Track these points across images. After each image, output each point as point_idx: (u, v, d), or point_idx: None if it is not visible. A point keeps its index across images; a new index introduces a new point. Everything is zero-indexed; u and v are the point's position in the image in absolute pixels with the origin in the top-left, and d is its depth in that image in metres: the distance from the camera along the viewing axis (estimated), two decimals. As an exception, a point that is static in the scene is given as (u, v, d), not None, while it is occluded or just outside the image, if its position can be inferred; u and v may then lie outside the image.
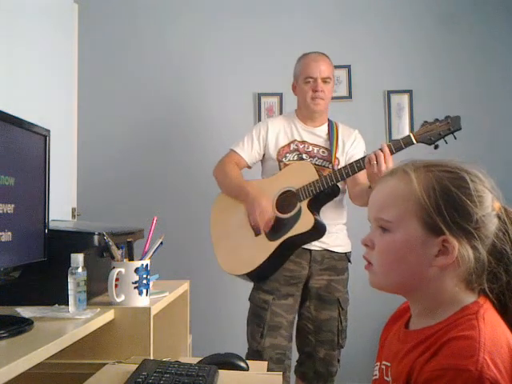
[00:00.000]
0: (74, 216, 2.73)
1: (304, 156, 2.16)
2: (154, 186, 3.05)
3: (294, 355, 2.22)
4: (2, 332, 0.94)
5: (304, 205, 2.05)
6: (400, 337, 0.90)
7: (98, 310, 1.19)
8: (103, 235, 1.25)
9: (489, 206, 0.83)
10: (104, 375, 1.11)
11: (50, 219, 1.26)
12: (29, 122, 1.17)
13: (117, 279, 1.22)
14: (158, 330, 1.32)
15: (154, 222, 1.34)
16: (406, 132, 2.88)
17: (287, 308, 2.12)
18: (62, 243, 1.25)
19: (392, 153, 1.91)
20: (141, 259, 1.27)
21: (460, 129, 1.90)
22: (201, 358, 1.27)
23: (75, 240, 1.28)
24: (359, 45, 3.04)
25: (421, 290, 0.85)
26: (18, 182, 1.09)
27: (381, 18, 3.05)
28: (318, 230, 2.05)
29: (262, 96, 3.05)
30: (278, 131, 2.21)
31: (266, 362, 1.50)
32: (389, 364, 0.88)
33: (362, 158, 1.98)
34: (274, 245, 2.06)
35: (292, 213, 2.07)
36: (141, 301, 1.25)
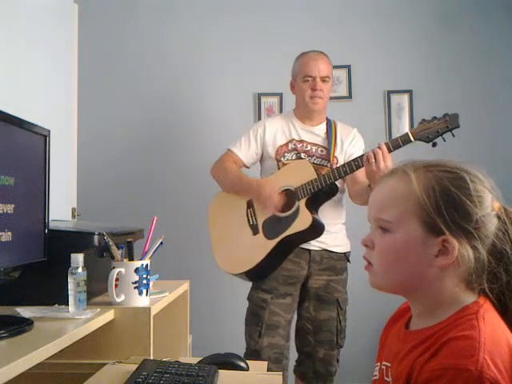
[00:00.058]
0: (73, 216, 2.73)
1: (302, 155, 2.16)
2: (154, 186, 3.05)
3: (293, 355, 2.22)
4: (1, 332, 0.94)
5: (302, 203, 2.05)
6: (400, 337, 0.90)
7: (98, 310, 1.19)
8: (103, 235, 1.25)
9: (488, 206, 0.83)
10: (104, 375, 1.11)
11: (50, 219, 1.26)
12: (29, 122, 1.17)
13: (117, 279, 1.22)
14: (158, 330, 1.32)
15: (154, 222, 1.34)
16: (406, 132, 2.87)
17: (285, 307, 2.12)
18: (62, 243, 1.25)
19: (390, 151, 1.91)
20: (141, 259, 1.27)
21: (458, 126, 1.90)
22: (201, 358, 1.27)
23: (75, 240, 1.28)
24: (359, 45, 3.04)
25: (421, 290, 0.85)
26: (17, 182, 1.09)
27: (381, 17, 3.05)
28: (316, 229, 2.05)
29: (261, 96, 3.05)
30: (276, 131, 2.21)
31: (266, 362, 1.50)
32: (389, 364, 0.88)
33: (360, 157, 1.98)
34: (272, 243, 2.06)
35: (290, 211, 2.07)
36: (141, 301, 1.25)
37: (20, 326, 0.99)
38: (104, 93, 3.09)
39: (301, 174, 2.07)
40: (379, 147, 1.89)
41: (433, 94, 2.98)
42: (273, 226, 2.08)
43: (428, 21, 3.03)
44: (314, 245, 2.12)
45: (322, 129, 2.22)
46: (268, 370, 1.38)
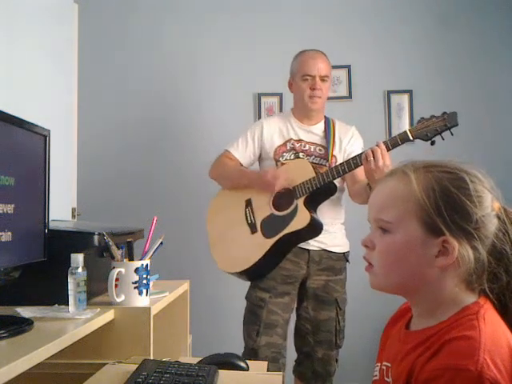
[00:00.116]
0: (73, 216, 2.73)
1: (301, 155, 2.16)
2: (154, 186, 3.05)
3: (291, 355, 2.22)
4: (1, 332, 0.94)
5: (300, 202, 2.05)
6: (400, 337, 0.90)
7: (98, 310, 1.19)
8: (103, 235, 1.25)
9: (488, 206, 0.83)
10: (104, 375, 1.11)
11: (50, 219, 1.26)
12: (29, 122, 1.17)
13: (117, 279, 1.22)
14: (158, 330, 1.32)
15: (154, 222, 1.34)
16: (406, 132, 2.88)
17: (283, 306, 2.12)
18: (62, 243, 1.25)
19: (389, 149, 1.91)
20: (141, 259, 1.27)
21: (457, 125, 1.90)
22: (201, 358, 1.28)
23: (75, 240, 1.28)
24: (359, 45, 3.04)
25: (421, 291, 0.86)
26: (18, 182, 1.09)
27: (381, 18, 3.05)
28: (315, 228, 2.05)
29: (261, 96, 3.05)
30: (274, 131, 2.21)
31: (266, 362, 1.50)
32: (389, 365, 0.88)
33: (359, 155, 1.98)
34: (270, 242, 2.06)
35: (288, 210, 2.07)
36: (141, 301, 1.25)
37: (20, 326, 0.99)
38: (104, 93, 3.09)
39: (299, 173, 2.07)
40: (377, 145, 1.89)
41: (433, 93, 2.98)
42: (271, 225, 2.08)
43: (428, 21, 3.03)
44: (313, 245, 2.12)
45: (320, 128, 2.22)
46: (267, 370, 1.38)
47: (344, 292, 2.19)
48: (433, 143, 1.92)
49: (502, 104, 3.00)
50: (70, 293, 1.14)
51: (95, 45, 3.08)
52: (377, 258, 0.87)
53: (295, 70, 2.20)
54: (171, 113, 3.10)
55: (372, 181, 1.90)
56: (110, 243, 1.24)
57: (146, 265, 1.27)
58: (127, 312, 1.22)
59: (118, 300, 1.22)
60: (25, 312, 1.12)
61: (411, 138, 1.93)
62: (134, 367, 1.08)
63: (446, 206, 0.81)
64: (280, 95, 3.01)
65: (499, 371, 0.72)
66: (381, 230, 0.87)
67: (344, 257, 2.20)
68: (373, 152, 1.88)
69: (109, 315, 1.19)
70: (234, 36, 3.08)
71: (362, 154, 1.95)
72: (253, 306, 2.14)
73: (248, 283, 2.20)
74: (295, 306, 2.20)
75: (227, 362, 1.25)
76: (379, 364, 0.92)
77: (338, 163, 2.09)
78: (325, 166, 2.14)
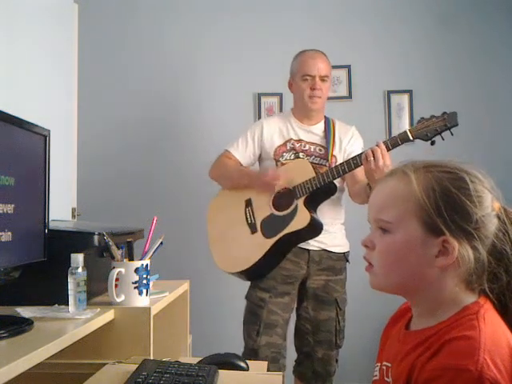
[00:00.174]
0: (74, 216, 2.73)
1: (301, 155, 2.16)
2: (154, 186, 3.05)
3: (290, 355, 2.22)
4: (1, 332, 0.94)
5: (300, 202, 2.05)
6: (400, 338, 0.90)
7: (98, 310, 1.19)
8: (103, 235, 1.25)
9: (488, 206, 0.83)
10: (104, 375, 1.11)
11: (50, 219, 1.26)
12: (29, 122, 1.17)
13: (117, 279, 1.22)
14: (158, 330, 1.32)
15: (154, 222, 1.34)
16: (406, 132, 2.88)
17: (283, 306, 2.12)
18: (62, 243, 1.25)
19: (388, 149, 1.91)
20: (141, 259, 1.27)
21: (456, 125, 1.90)
22: (201, 358, 1.27)
23: (75, 240, 1.28)
24: (359, 45, 3.04)
25: (421, 291, 0.86)
26: (18, 182, 1.09)
27: (381, 17, 3.05)
28: (315, 228, 2.05)
29: (262, 96, 3.05)
30: (274, 131, 2.21)
31: (266, 362, 1.50)
32: (390, 365, 0.88)
33: (359, 155, 1.97)
34: (270, 242, 2.06)
35: (288, 210, 2.07)
36: (141, 301, 1.25)
37: (20, 326, 0.99)
38: (104, 93, 3.09)
39: (299, 173, 2.07)
40: (377, 145, 1.89)
41: (433, 93, 2.98)
42: (271, 225, 2.08)
43: (428, 21, 3.03)
44: (313, 245, 2.12)
45: (320, 128, 2.22)
46: (268, 370, 1.38)
47: (344, 292, 2.19)
48: (433, 143, 1.91)
49: (502, 104, 3.00)
50: (70, 293, 1.14)
51: (95, 45, 3.08)
52: (377, 258, 0.87)
53: (295, 70, 2.20)
54: (171, 113, 3.10)
55: (372, 181, 1.89)
56: (110, 243, 1.24)
57: (146, 265, 1.27)
58: (127, 312, 1.22)
59: (118, 300, 1.22)
60: (25, 312, 1.12)
61: (411, 137, 1.93)
62: (134, 367, 1.08)
63: (446, 206, 0.81)
64: (280, 95, 3.01)
65: (499, 371, 0.72)
66: (381, 230, 0.87)
67: (344, 257, 2.20)
68: (373, 152, 1.88)
69: (109, 315, 1.19)
70: (234, 36, 3.08)
71: (361, 153, 1.95)
72: (253, 306, 2.14)
73: (248, 283, 2.20)
74: (295, 305, 2.20)
75: (227, 362, 1.25)
76: (379, 364, 0.92)
77: (337, 163, 2.09)
78: (325, 165, 2.14)
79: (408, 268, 0.85)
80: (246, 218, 2.14)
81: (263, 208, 2.12)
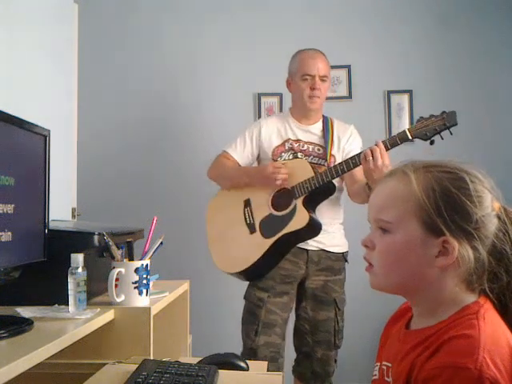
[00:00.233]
0: (74, 216, 2.73)
1: (299, 155, 2.16)
2: (154, 186, 3.05)
3: (289, 355, 2.22)
4: (1, 332, 0.94)
5: (299, 202, 2.05)
6: (400, 337, 0.90)
7: (98, 310, 1.19)
8: (103, 235, 1.25)
9: (488, 206, 0.83)
10: (104, 375, 1.11)
11: (50, 219, 1.26)
12: (29, 122, 1.17)
13: (117, 279, 1.22)
14: (158, 330, 1.32)
15: (154, 222, 1.34)
16: (406, 132, 2.88)
17: (282, 306, 2.12)
18: (62, 243, 1.25)
19: (387, 148, 1.91)
20: (141, 259, 1.27)
21: (456, 124, 1.89)
22: (201, 358, 1.28)
23: (75, 240, 1.28)
24: (359, 45, 3.04)
25: (421, 291, 0.86)
26: (18, 182, 1.09)
27: (381, 18, 3.05)
28: (314, 228, 2.04)
29: (261, 96, 3.05)
30: (272, 131, 2.21)
31: (266, 362, 1.50)
32: (389, 364, 0.88)
33: (358, 154, 1.97)
34: (269, 242, 2.06)
35: (287, 210, 2.07)
36: (141, 301, 1.25)
37: (20, 326, 0.99)
38: (104, 93, 3.09)
39: (298, 173, 2.07)
40: (376, 145, 1.89)
41: (433, 93, 2.98)
42: (270, 225, 2.08)
43: (428, 21, 3.03)
44: (312, 245, 2.12)
45: (318, 127, 2.21)
46: (267, 370, 1.38)
47: (343, 292, 2.19)
48: (432, 143, 1.91)
49: (502, 104, 3.00)
50: (70, 293, 1.15)
51: (95, 45, 3.08)
52: (377, 258, 0.87)
53: (294, 70, 2.20)
54: (171, 113, 3.10)
55: (371, 180, 1.89)
56: (110, 243, 1.24)
57: (146, 265, 1.27)
58: (127, 312, 1.22)
59: (118, 300, 1.22)
60: (25, 312, 1.12)
61: (410, 137, 1.93)
62: (134, 367, 1.08)
63: (446, 206, 0.81)
64: (280, 95, 3.01)
65: (499, 371, 0.72)
66: (381, 230, 0.87)
67: (343, 257, 2.20)
68: (372, 152, 1.88)
69: (109, 315, 1.19)
70: (234, 36, 3.08)
71: (360, 153, 1.94)
72: (251, 306, 2.14)
73: (248, 283, 2.20)
74: (294, 305, 2.20)
75: (227, 361, 1.25)
76: (379, 364, 0.92)
77: (336, 163, 2.09)
78: (323, 165, 2.14)
79: (408, 268, 0.85)
80: (245, 218, 2.14)
81: (262, 208, 2.11)
